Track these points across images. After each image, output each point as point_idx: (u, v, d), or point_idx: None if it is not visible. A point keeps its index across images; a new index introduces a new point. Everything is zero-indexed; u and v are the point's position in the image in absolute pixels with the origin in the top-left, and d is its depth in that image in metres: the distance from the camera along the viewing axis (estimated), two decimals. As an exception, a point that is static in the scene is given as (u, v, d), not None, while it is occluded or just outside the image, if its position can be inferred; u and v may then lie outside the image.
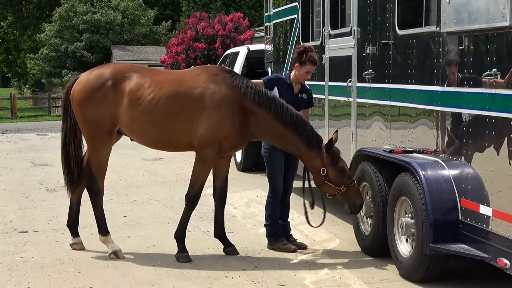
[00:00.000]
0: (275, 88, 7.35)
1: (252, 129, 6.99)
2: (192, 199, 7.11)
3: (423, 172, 6.02)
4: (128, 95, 6.97)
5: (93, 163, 7.25)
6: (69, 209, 7.58)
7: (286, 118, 6.88)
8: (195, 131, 6.87)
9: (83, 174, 7.42)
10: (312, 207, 7.38)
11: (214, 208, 7.51)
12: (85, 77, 7.26)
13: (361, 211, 7.26)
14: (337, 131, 7.16)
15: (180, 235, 7.15)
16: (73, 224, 7.56)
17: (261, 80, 7.42)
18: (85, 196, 7.49)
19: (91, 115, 7.10)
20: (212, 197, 7.49)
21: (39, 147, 18.58)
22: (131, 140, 7.35)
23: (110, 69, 7.22)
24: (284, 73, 7.78)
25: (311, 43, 9.40)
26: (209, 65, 7.38)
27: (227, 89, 6.89)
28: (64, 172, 7.53)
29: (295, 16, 10.18)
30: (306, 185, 7.32)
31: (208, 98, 6.85)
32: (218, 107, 6.83)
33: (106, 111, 7.03)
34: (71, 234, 7.57)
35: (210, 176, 7.30)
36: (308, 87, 7.63)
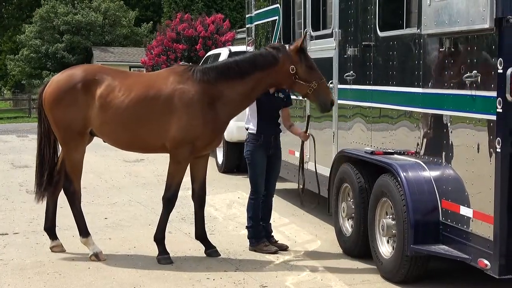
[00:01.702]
0: None
1: (225, 114, 7.01)
2: (168, 201, 7.11)
3: (404, 174, 6.05)
4: (98, 99, 6.97)
5: (68, 165, 7.24)
6: (46, 213, 7.55)
7: (246, 68, 6.93)
8: (167, 133, 6.89)
9: (58, 177, 7.42)
10: (302, 192, 7.58)
11: (194, 210, 7.49)
12: (56, 79, 7.27)
13: (343, 214, 7.31)
14: (305, 33, 7.18)
15: (159, 238, 7.14)
16: (50, 227, 7.53)
17: None
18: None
19: (62, 117, 7.09)
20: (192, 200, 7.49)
21: (19, 148, 18.45)
22: (104, 141, 7.33)
23: (80, 71, 7.20)
24: None
25: (292, 45, 9.41)
26: (175, 65, 7.39)
27: (194, 87, 6.91)
28: (36, 175, 7.50)
29: (277, 17, 10.20)
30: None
31: (177, 99, 6.86)
32: (187, 107, 6.85)
33: (77, 113, 7.03)
34: (50, 238, 7.54)
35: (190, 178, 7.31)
36: None
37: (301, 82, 6.93)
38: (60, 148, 7.43)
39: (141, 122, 6.95)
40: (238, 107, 7.19)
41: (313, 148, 7.81)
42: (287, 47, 7.07)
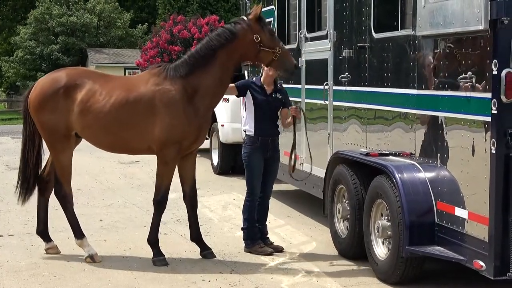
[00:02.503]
0: (248, 91, 7.41)
1: (205, 107, 6.98)
2: (159, 203, 7.10)
3: (399, 175, 6.05)
4: (78, 104, 6.99)
5: (57, 168, 7.28)
6: (37, 216, 7.56)
7: (207, 52, 6.92)
8: (151, 135, 6.89)
9: (48, 179, 7.46)
10: (292, 170, 7.56)
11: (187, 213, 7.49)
12: (40, 84, 7.30)
13: (339, 215, 7.33)
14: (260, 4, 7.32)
15: (153, 240, 7.14)
16: (43, 230, 7.54)
17: (233, 85, 7.47)
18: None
19: (46, 121, 7.13)
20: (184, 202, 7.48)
21: (14, 150, 18.34)
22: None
23: (63, 75, 7.20)
24: (255, 76, 7.81)
25: (287, 46, 9.42)
26: (152, 66, 7.42)
27: (172, 85, 6.90)
28: (19, 179, 7.53)
29: (272, 19, 10.20)
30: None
31: (158, 100, 6.87)
32: (169, 107, 6.85)
33: (59, 118, 7.06)
34: (44, 240, 7.55)
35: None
36: (281, 87, 7.65)
37: (267, 49, 6.95)
38: (44, 152, 7.47)
39: (123, 126, 6.97)
40: (215, 96, 7.13)
41: (308, 150, 7.80)
42: (246, 18, 7.07)
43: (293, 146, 7.56)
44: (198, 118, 6.96)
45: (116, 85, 7.08)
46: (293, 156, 7.56)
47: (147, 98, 6.88)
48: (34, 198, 7.62)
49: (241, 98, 7.50)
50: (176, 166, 7.14)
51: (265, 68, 7.36)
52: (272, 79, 7.47)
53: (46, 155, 7.52)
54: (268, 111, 7.43)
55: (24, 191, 7.48)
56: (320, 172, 7.93)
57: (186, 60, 7.01)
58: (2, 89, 56.91)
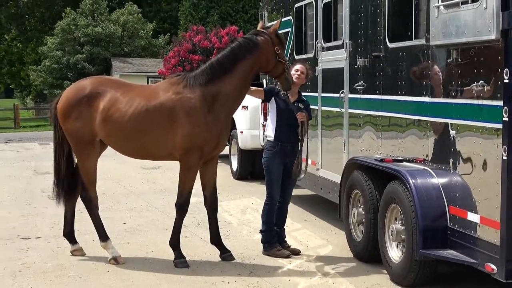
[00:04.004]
0: (273, 98, 7.56)
1: (225, 114, 7.13)
2: (181, 207, 7.23)
3: (413, 180, 6.14)
4: (101, 112, 7.16)
5: (82, 173, 7.45)
6: (64, 219, 7.74)
7: (227, 64, 7.09)
8: (172, 142, 7.02)
9: (74, 185, 7.65)
10: (296, 174, 7.58)
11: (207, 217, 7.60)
12: (66, 94, 7.52)
13: (354, 220, 7.46)
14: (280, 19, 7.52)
15: (175, 243, 7.27)
16: (69, 232, 7.72)
17: (261, 89, 7.67)
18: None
19: (71, 129, 7.33)
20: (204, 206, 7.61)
21: (41, 156, 18.61)
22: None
23: (88, 84, 7.40)
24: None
25: (304, 56, 9.55)
26: (171, 75, 7.58)
27: (192, 93, 7.03)
28: (54, 183, 7.75)
29: (289, 29, 10.31)
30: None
31: (178, 108, 6.99)
32: (190, 116, 6.98)
33: (84, 126, 7.25)
34: (69, 242, 7.73)
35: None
36: (304, 98, 7.78)
37: (282, 61, 7.23)
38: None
39: (144, 134, 7.10)
40: (234, 104, 7.29)
41: (324, 154, 7.85)
42: (266, 31, 7.28)
43: (300, 151, 7.58)
44: (219, 125, 7.09)
45: (136, 94, 7.21)
46: (300, 160, 7.61)
47: (167, 106, 7.01)
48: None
49: (260, 106, 7.64)
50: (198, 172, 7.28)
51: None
52: (297, 88, 7.61)
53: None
54: (289, 119, 7.51)
55: (59, 193, 7.67)
56: (336, 177, 8.04)
57: (207, 69, 7.14)
58: (30, 97, 57.56)
